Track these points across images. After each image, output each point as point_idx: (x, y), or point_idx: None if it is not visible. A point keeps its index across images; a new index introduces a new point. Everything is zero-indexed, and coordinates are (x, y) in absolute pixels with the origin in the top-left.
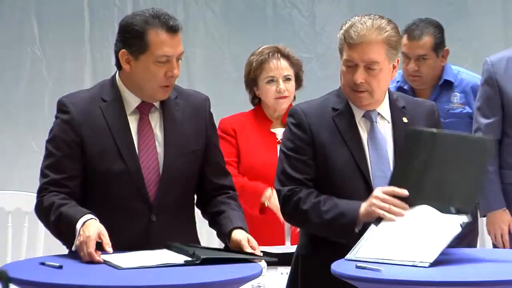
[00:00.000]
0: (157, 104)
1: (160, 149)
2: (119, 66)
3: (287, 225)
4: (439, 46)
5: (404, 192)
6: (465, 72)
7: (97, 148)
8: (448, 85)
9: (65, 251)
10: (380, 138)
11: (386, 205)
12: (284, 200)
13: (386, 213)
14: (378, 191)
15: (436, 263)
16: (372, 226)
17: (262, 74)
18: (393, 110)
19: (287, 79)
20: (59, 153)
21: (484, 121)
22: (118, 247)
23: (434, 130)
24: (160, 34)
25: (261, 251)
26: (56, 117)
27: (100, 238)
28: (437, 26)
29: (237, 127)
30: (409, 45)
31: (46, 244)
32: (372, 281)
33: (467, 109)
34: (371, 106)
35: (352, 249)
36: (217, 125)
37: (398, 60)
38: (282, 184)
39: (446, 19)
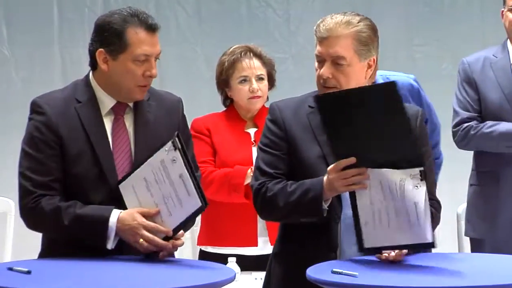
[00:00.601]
0: (130, 105)
1: (134, 150)
2: (94, 66)
3: (260, 223)
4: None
5: (352, 159)
6: (393, 74)
7: (74, 150)
8: None
9: (34, 255)
10: None
11: (346, 180)
12: (254, 194)
13: (351, 187)
14: (330, 171)
15: (414, 266)
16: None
17: (234, 74)
18: None
19: (260, 78)
20: (41, 155)
21: (466, 113)
22: (94, 250)
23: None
24: (139, 32)
25: (235, 255)
26: (31, 119)
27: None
28: None
29: (211, 127)
30: None
31: (15, 248)
32: (348, 286)
33: None
34: None
35: (357, 239)
36: (189, 125)
37: (374, 59)
38: (255, 179)
39: (423, 19)
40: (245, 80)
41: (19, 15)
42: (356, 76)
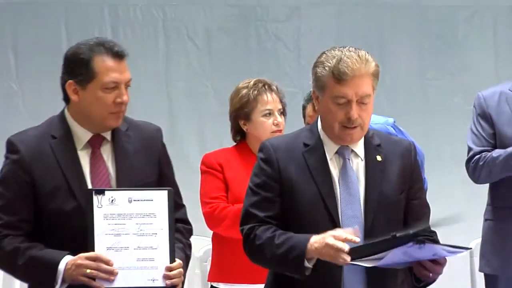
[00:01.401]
0: (108, 137)
1: (113, 182)
2: (66, 99)
3: None
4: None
5: (356, 239)
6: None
7: (48, 187)
8: None
9: None
10: (351, 175)
11: (331, 251)
12: (244, 239)
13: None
14: (329, 235)
15: None
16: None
17: (258, 107)
18: (367, 148)
19: (281, 113)
20: (10, 194)
21: (479, 148)
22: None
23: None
24: (106, 60)
25: None
26: (6, 157)
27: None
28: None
29: (223, 162)
30: None
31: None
32: None
33: None
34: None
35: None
36: (200, 161)
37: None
38: (244, 222)
39: (435, 52)
40: (270, 113)
41: (27, 46)
42: (372, 112)
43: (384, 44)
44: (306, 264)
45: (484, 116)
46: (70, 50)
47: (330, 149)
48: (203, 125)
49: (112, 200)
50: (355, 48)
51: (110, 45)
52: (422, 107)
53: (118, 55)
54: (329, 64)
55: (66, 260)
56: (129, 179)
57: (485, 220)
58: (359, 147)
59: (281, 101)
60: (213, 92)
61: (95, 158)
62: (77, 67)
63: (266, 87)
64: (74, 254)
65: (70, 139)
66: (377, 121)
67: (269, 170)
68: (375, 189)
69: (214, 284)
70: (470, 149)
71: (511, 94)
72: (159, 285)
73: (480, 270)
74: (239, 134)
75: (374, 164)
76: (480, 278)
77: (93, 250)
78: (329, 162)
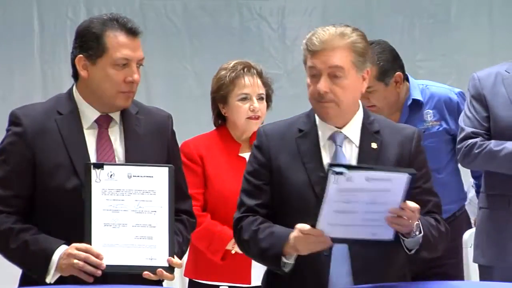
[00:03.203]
0: (117, 118)
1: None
2: (76, 76)
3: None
4: (385, 74)
5: (318, 232)
6: (433, 85)
7: (50, 164)
8: (417, 104)
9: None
10: (343, 162)
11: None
12: (233, 228)
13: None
14: (296, 229)
15: None
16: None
17: (235, 91)
18: (363, 134)
19: (260, 98)
20: (8, 167)
21: (471, 129)
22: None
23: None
24: (118, 36)
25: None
26: (8, 130)
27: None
28: (382, 52)
29: (203, 153)
30: None
31: None
32: None
33: (444, 125)
34: (339, 121)
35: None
36: (179, 147)
37: (368, 71)
38: (237, 209)
39: (427, 32)
40: (245, 98)
41: None
42: (354, 90)
43: (373, 23)
44: (285, 260)
45: (479, 98)
46: (82, 25)
47: (323, 134)
48: (182, 110)
49: (111, 175)
50: (342, 25)
51: (124, 21)
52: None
53: (132, 32)
54: (307, 37)
55: (61, 250)
56: (137, 161)
57: (479, 208)
58: (354, 133)
59: (265, 86)
60: (193, 74)
61: (102, 138)
62: (88, 41)
63: (246, 69)
64: (72, 233)
65: (77, 117)
66: (440, 86)
67: (261, 158)
68: None
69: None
70: (462, 129)
71: (508, 76)
72: (157, 265)
73: (474, 261)
74: (220, 118)
75: (367, 152)
76: (474, 270)
77: (89, 226)
78: (322, 148)
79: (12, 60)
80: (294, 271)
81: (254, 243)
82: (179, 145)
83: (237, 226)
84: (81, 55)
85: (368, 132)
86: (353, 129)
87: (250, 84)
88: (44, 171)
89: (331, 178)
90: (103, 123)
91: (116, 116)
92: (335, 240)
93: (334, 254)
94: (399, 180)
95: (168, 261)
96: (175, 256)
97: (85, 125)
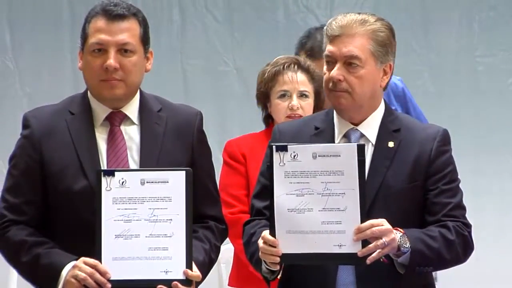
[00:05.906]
0: (132, 115)
1: (134, 164)
2: None
3: None
4: None
5: (278, 251)
6: None
7: (58, 165)
8: None
9: None
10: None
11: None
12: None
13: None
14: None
15: None
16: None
17: (275, 88)
18: (381, 132)
19: (302, 95)
20: (17, 172)
21: None
22: None
23: None
24: (97, 21)
25: None
26: (21, 134)
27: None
28: None
29: (246, 151)
30: None
31: None
32: None
33: None
34: (355, 116)
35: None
36: (222, 148)
37: (391, 66)
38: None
39: (487, 26)
40: (284, 95)
41: (25, 19)
42: (371, 81)
43: (429, 16)
44: (263, 267)
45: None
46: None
47: (339, 132)
48: (223, 109)
49: (123, 182)
50: (367, 13)
51: (110, 7)
52: (471, 88)
53: (111, 15)
54: (328, 22)
55: (71, 265)
56: (154, 163)
57: None
58: (372, 132)
59: (312, 83)
60: (234, 71)
61: (113, 136)
62: (81, 32)
63: (290, 65)
64: (82, 242)
65: (89, 116)
66: None
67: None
68: (377, 177)
69: None
70: None
71: None
72: (173, 278)
73: None
74: (269, 117)
75: (382, 150)
76: None
77: (100, 238)
78: None
79: (41, 55)
80: (300, 281)
81: (248, 246)
82: (224, 145)
83: (242, 231)
84: (79, 48)
85: (386, 130)
86: (370, 127)
87: (290, 81)
88: (52, 172)
89: (276, 157)
90: (114, 120)
91: (131, 112)
92: (286, 259)
93: None
94: (349, 153)
95: (184, 273)
96: (193, 268)
97: (96, 123)
